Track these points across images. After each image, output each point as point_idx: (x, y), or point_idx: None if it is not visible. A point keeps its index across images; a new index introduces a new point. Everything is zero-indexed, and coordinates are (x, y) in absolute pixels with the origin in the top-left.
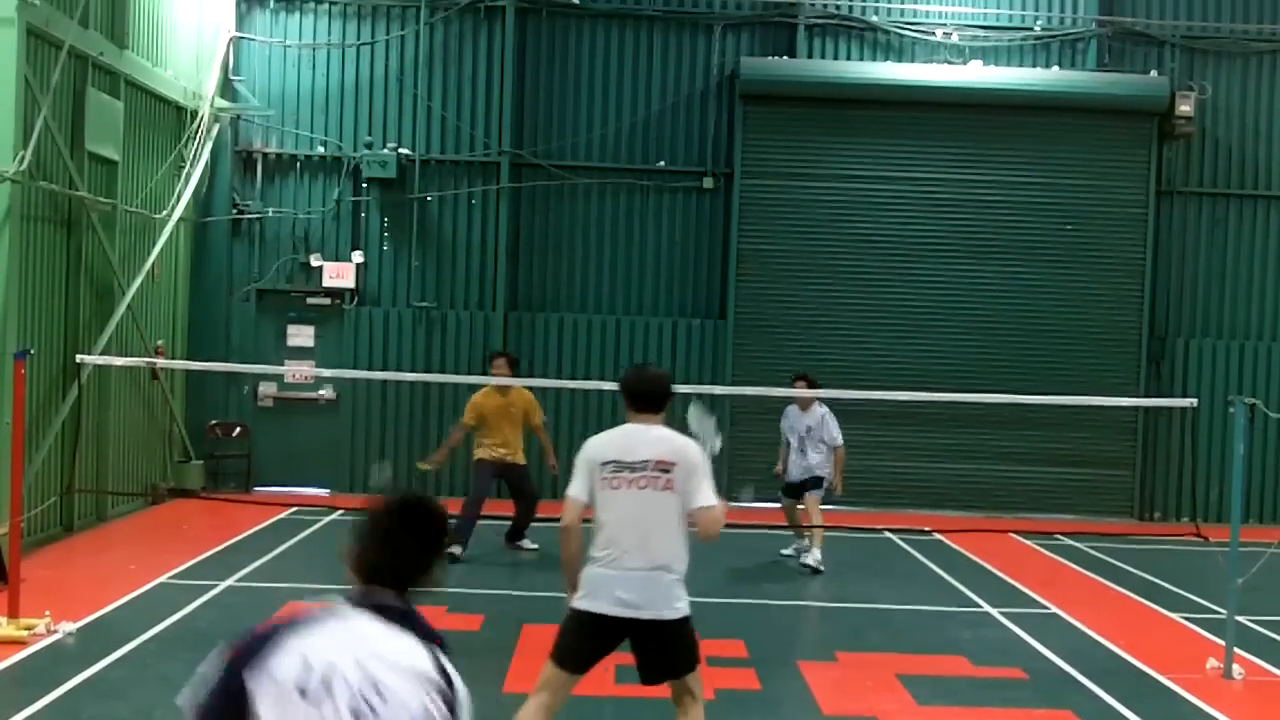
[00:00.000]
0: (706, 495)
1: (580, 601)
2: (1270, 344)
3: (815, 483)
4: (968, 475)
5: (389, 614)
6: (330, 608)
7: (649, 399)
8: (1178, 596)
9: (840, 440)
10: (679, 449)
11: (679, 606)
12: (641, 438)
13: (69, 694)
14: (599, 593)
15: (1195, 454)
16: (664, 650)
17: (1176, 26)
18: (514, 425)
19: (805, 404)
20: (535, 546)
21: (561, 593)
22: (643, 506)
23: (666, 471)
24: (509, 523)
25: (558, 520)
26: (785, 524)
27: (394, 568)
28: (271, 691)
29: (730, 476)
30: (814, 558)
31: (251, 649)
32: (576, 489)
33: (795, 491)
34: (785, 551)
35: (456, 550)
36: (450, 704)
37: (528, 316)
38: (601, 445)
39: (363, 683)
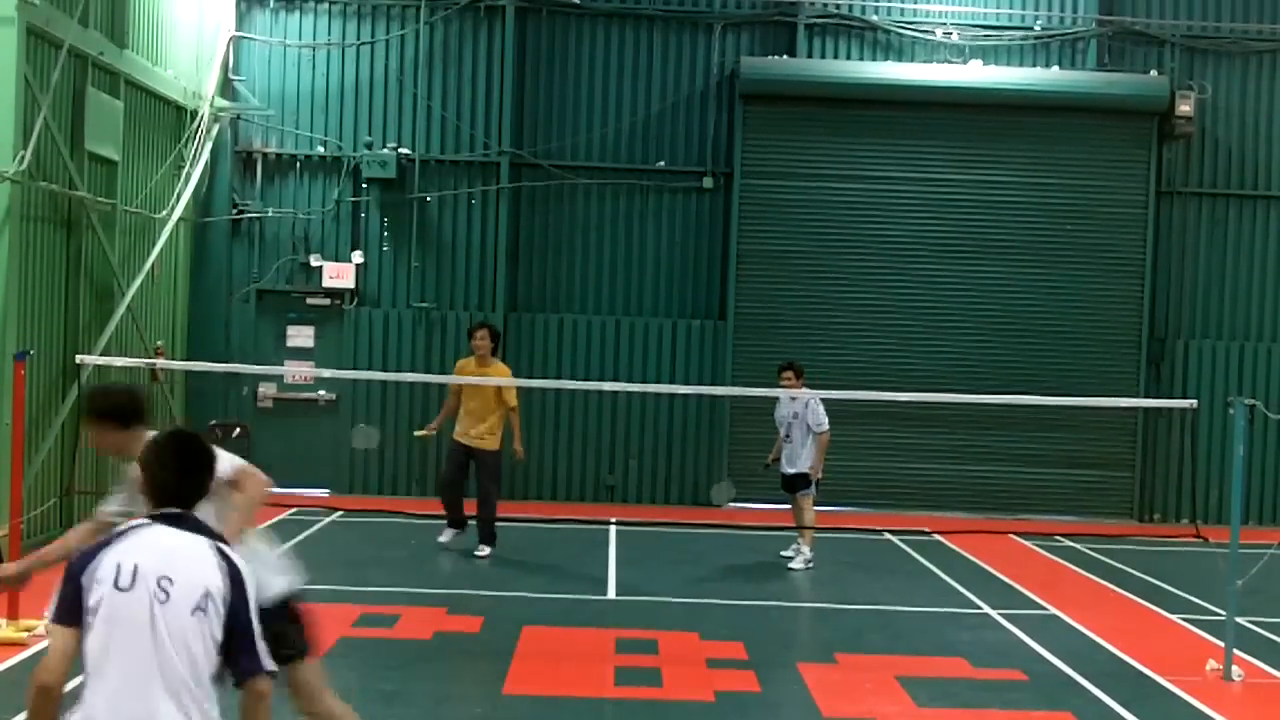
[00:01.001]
0: None
1: None
2: (1270, 345)
3: (804, 482)
4: (967, 476)
5: (176, 521)
6: (133, 524)
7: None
8: (1177, 598)
9: (826, 426)
10: None
11: None
12: None
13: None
14: None
15: (1195, 455)
16: None
17: (1176, 26)
18: (485, 403)
19: (793, 389)
20: (486, 553)
21: (564, 594)
22: None
23: None
24: (487, 522)
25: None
26: (790, 525)
27: (174, 487)
28: (98, 589)
29: (729, 477)
30: (802, 559)
31: (82, 562)
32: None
33: (789, 485)
34: (785, 553)
35: (484, 551)
36: (234, 577)
37: (527, 317)
38: None
39: (159, 572)
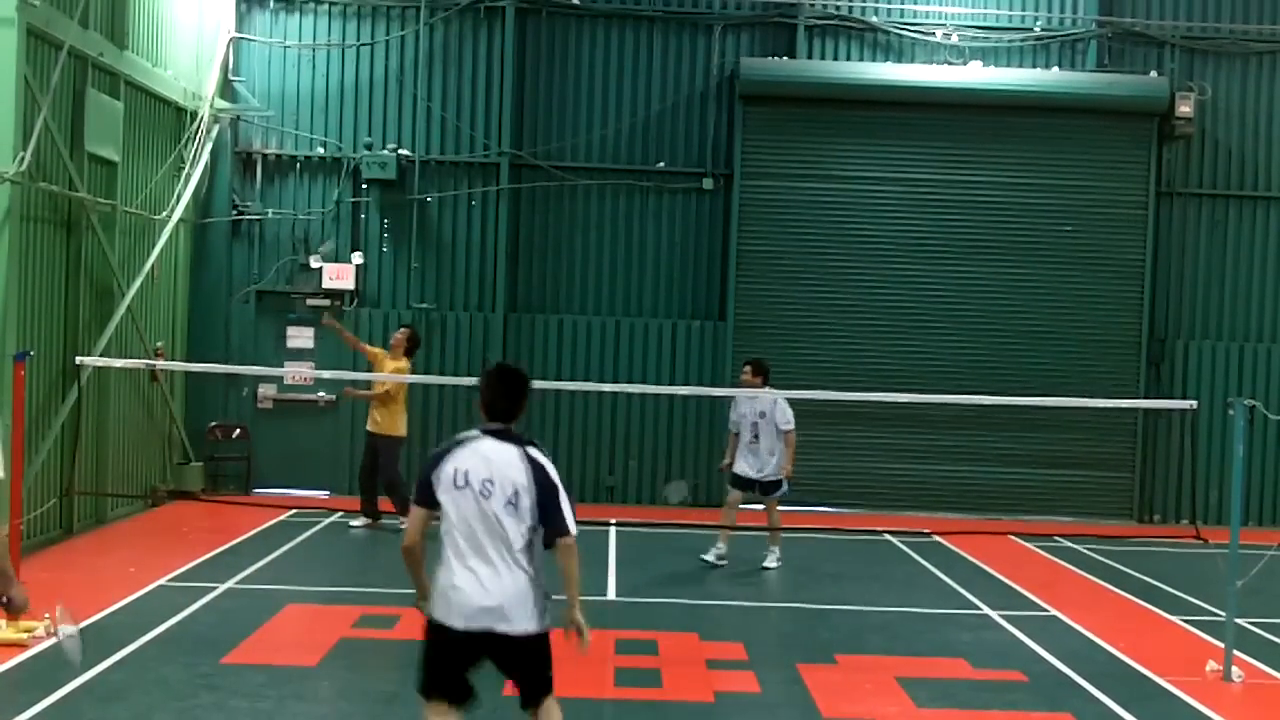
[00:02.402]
0: None
1: None
2: (1270, 346)
3: (775, 486)
4: (967, 477)
5: (498, 435)
6: (468, 436)
7: None
8: (1177, 599)
9: (792, 425)
10: None
11: None
12: None
13: (68, 697)
14: None
15: (1195, 456)
16: None
17: (1176, 27)
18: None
19: (753, 388)
20: (358, 524)
21: (560, 595)
22: None
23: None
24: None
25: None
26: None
27: (497, 407)
28: (442, 487)
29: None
30: (774, 558)
31: (431, 465)
32: None
33: (748, 486)
34: (705, 557)
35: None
36: (540, 475)
37: (527, 318)
38: None
39: (482, 475)
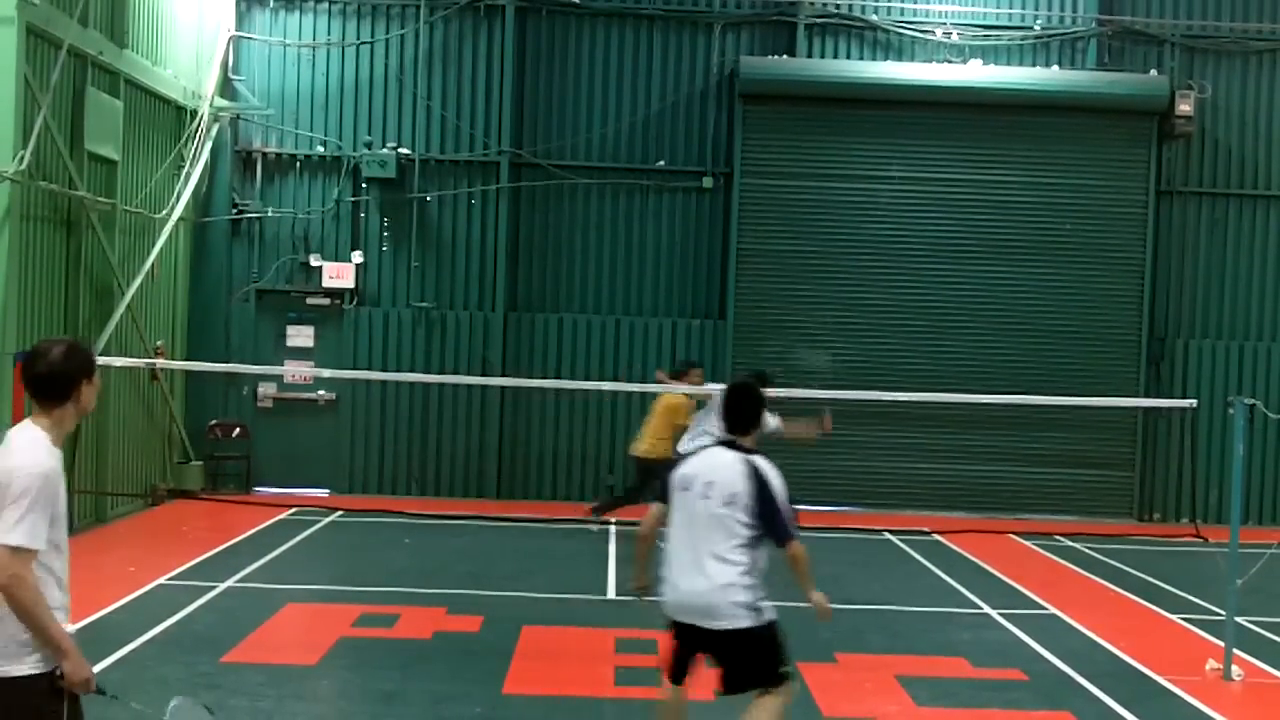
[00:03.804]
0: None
1: None
2: (1270, 344)
3: None
4: (967, 476)
5: (727, 445)
6: (705, 445)
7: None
8: (1177, 598)
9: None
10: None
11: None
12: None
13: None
14: None
15: (1195, 455)
16: None
17: (1176, 26)
18: None
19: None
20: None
21: (563, 594)
22: None
23: None
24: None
25: None
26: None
27: (727, 420)
28: (674, 486)
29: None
30: None
31: (672, 467)
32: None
33: None
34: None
35: None
36: (759, 485)
37: (527, 317)
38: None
39: (706, 479)
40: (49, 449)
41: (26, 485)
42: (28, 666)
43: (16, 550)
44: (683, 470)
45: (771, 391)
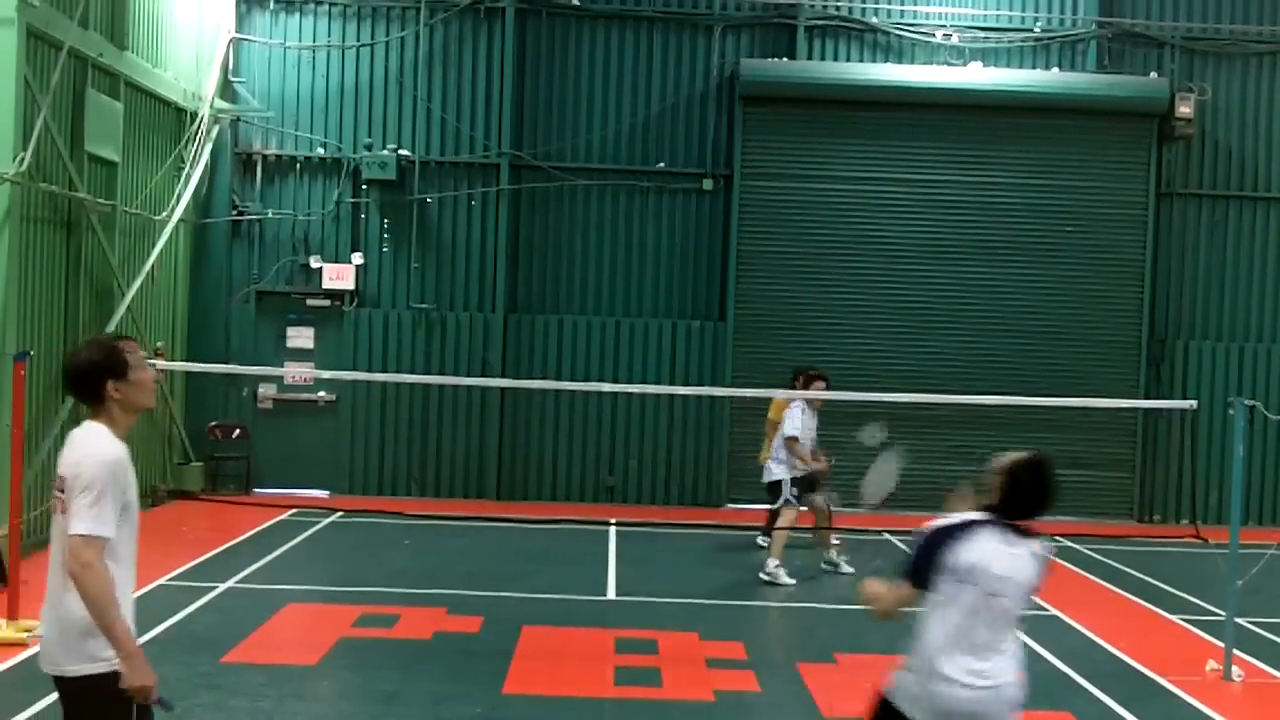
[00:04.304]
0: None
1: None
2: (1270, 346)
3: (778, 489)
4: (967, 477)
5: (1013, 530)
6: (975, 520)
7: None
8: (1177, 598)
9: (789, 432)
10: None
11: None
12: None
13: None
14: None
15: (1195, 456)
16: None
17: (1176, 28)
18: None
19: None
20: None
21: (563, 594)
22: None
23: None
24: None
25: None
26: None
27: (1025, 504)
28: (944, 570)
29: (728, 478)
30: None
31: (937, 539)
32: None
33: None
34: (836, 567)
35: None
36: (1040, 573)
37: (527, 318)
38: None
39: (998, 570)
40: (110, 439)
41: (95, 474)
42: (94, 665)
43: (87, 538)
44: (958, 552)
45: (782, 393)
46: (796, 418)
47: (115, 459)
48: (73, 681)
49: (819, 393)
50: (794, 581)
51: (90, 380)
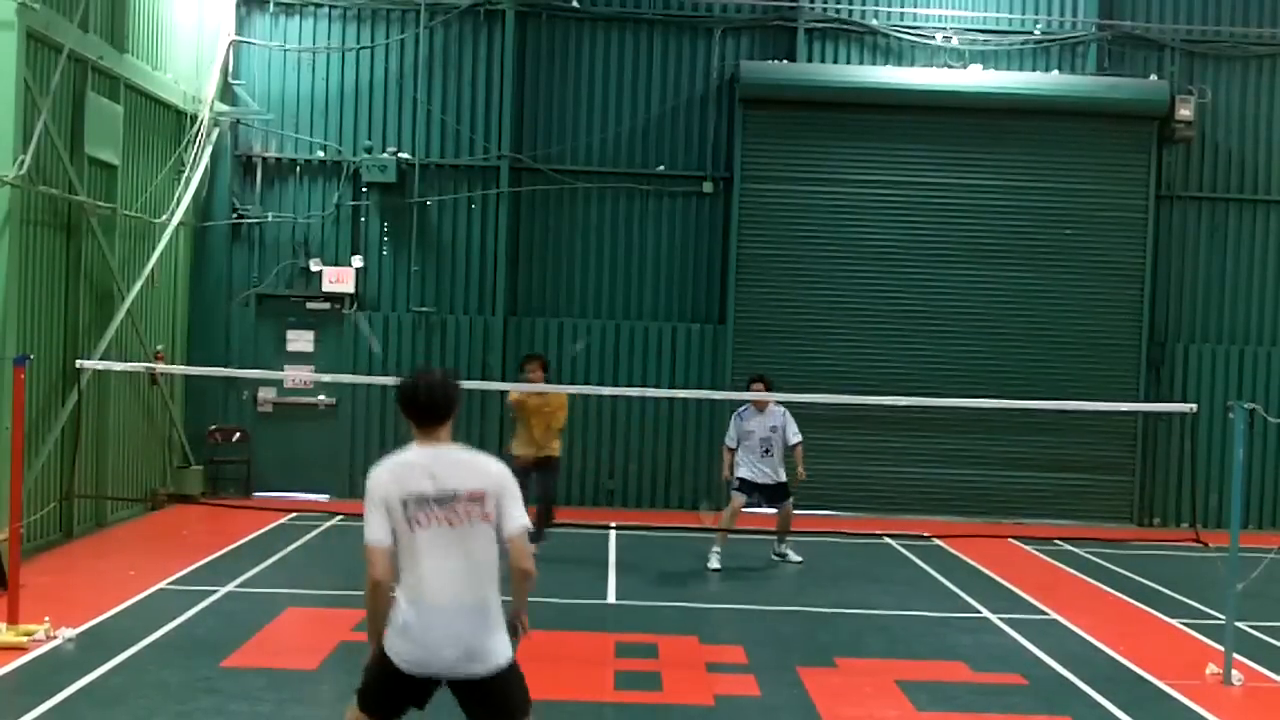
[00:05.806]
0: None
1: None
2: (1270, 349)
3: (787, 490)
4: (967, 480)
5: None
6: None
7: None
8: (1177, 602)
9: (800, 438)
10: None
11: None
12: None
13: (68, 700)
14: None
15: (1195, 459)
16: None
17: (1176, 30)
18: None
19: (762, 405)
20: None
21: (563, 598)
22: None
23: (479, 502)
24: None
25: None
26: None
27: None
28: None
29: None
30: (794, 555)
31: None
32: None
33: (753, 492)
34: (711, 566)
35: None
36: None
37: (527, 321)
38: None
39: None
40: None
41: (513, 479)
42: (512, 650)
43: (526, 532)
44: None
45: (775, 397)
46: (731, 426)
47: None
48: (513, 668)
49: (816, 395)
50: (719, 568)
51: (449, 406)
